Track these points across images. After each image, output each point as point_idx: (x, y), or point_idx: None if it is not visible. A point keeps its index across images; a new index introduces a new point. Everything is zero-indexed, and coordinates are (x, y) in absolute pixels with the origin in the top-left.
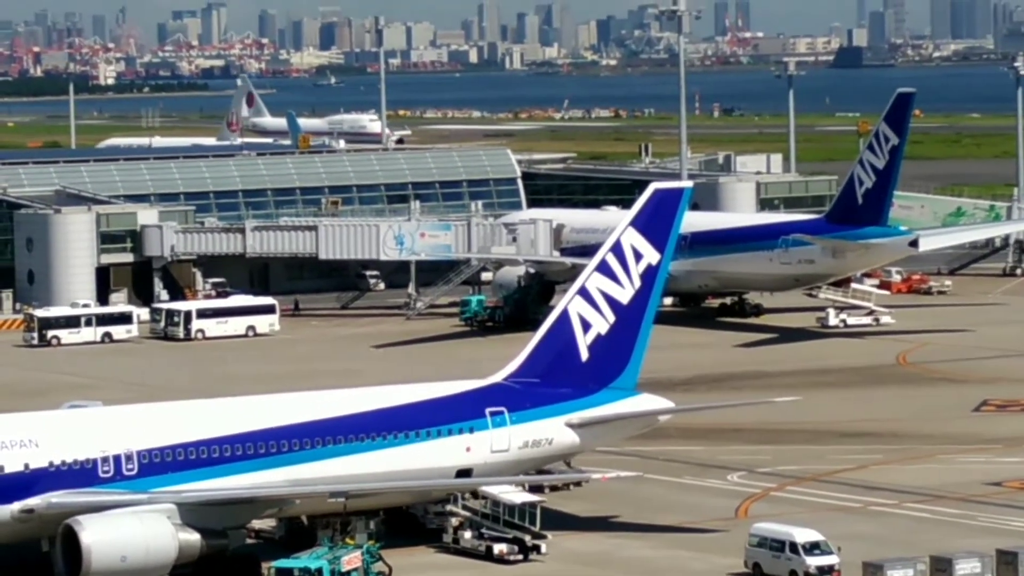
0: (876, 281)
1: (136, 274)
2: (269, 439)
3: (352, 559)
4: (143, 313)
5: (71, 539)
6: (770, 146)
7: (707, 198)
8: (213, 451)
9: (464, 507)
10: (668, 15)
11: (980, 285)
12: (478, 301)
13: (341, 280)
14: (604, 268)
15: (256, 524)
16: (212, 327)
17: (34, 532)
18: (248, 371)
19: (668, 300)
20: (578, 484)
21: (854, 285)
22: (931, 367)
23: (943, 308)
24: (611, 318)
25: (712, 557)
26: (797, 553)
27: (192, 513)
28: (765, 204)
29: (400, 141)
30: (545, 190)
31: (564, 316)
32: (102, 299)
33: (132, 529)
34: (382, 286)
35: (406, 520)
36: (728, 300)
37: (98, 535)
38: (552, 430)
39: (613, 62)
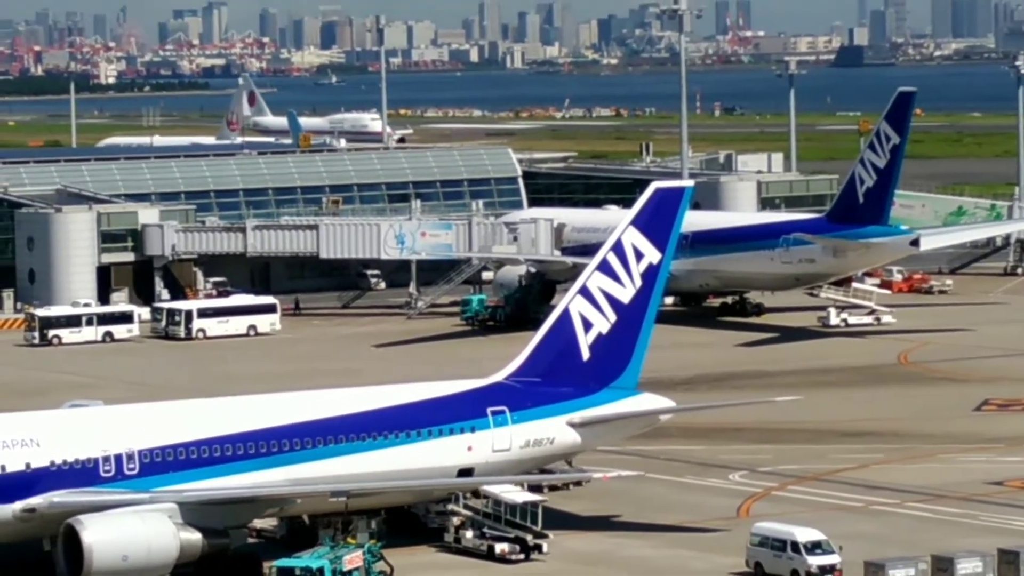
0: (877, 280)
1: (137, 273)
2: (270, 438)
3: (353, 558)
4: (144, 312)
5: (72, 538)
6: (771, 145)
7: (708, 197)
8: (214, 450)
9: (466, 506)
10: (669, 14)
11: (981, 284)
12: (479, 300)
13: (342, 279)
14: (605, 267)
15: (257, 523)
16: (213, 326)
17: (35, 531)
18: (249, 370)
19: (669, 299)
20: (579, 483)
21: (855, 284)
22: (932, 366)
23: (944, 307)
24: (612, 317)
25: (713, 556)
26: (799, 552)
27: (193, 512)
28: (766, 203)
29: (401, 140)
30: (546, 189)
31: (565, 315)
32: (103, 298)
33: (134, 528)
34: (383, 285)
35: (408, 519)
36: (729, 299)
37: (100, 534)
38: (553, 429)
39: (614, 61)
